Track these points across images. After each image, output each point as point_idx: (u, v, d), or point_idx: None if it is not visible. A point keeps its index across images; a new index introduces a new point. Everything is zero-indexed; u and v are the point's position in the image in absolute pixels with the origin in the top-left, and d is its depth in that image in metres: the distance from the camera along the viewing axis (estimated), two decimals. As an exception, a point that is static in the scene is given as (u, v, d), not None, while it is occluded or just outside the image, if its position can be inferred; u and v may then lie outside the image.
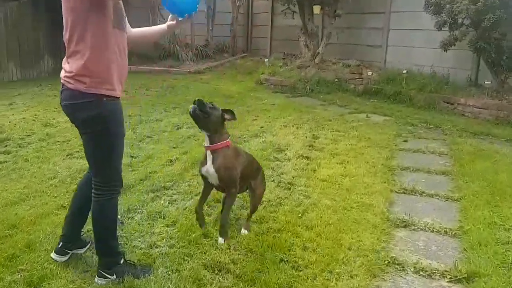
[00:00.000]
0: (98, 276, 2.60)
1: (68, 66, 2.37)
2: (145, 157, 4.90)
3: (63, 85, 2.41)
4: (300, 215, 3.55)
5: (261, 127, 6.44)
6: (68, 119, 2.53)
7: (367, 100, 8.66)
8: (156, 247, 3.02)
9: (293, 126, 6.57)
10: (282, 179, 4.31)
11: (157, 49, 13.16)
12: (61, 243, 2.79)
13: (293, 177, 4.37)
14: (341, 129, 6.37)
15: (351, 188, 4.14)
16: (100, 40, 2.32)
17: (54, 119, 6.49)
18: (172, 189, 4.03)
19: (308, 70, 10.13)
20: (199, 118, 2.81)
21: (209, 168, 2.93)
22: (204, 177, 3.06)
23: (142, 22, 13.09)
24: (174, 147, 5.35)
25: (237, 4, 14.12)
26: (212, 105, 2.85)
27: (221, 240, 3.04)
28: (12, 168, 4.43)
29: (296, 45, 11.36)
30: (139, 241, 3.09)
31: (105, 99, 2.37)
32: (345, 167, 4.70)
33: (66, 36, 2.34)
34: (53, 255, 2.80)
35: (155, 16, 13.20)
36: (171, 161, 4.79)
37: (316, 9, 10.15)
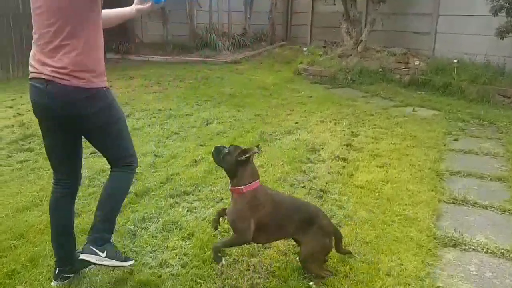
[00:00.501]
0: (86, 253, 2.37)
1: (57, 62, 2.21)
2: (170, 156, 4.61)
3: (49, 81, 2.22)
4: (332, 230, 3.13)
5: (296, 123, 6.01)
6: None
7: (414, 92, 7.99)
8: (167, 266, 2.70)
9: (330, 121, 6.09)
10: (314, 185, 3.89)
11: (194, 38, 12.93)
12: (57, 269, 2.51)
13: (326, 183, 3.93)
14: (383, 125, 5.84)
15: (392, 197, 3.67)
16: (94, 35, 2.28)
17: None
18: (193, 195, 3.71)
19: (350, 59, 9.54)
20: (219, 163, 2.63)
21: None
22: None
23: (181, 10, 12.94)
24: (201, 145, 5.04)
25: (276, -10, 13.61)
26: (229, 150, 2.56)
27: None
28: (31, 168, 4.26)
29: (337, 32, 10.74)
30: (150, 257, 2.79)
31: (105, 89, 2.37)
32: (386, 171, 4.21)
33: (50, 28, 2.19)
34: (53, 283, 2.50)
35: (193, 4, 12.93)
36: (195, 161, 4.47)
37: (359, -7, 9.50)
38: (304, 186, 3.86)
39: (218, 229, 2.82)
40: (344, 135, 5.42)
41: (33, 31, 2.28)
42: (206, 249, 2.83)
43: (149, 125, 5.78)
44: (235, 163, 2.48)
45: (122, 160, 2.53)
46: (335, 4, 10.77)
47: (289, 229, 2.60)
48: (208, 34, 12.86)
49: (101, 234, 2.44)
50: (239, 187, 2.50)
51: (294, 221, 2.57)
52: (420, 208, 3.47)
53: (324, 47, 11.55)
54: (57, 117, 2.32)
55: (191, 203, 3.55)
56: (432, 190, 3.81)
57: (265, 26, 14.03)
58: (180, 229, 3.13)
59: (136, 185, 3.82)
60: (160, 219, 3.27)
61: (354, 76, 8.95)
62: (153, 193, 3.72)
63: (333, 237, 2.63)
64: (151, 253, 2.84)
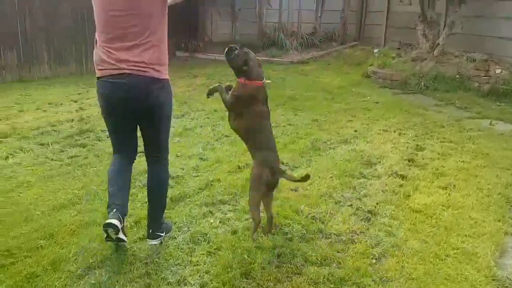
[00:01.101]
0: (152, 239, 2.87)
1: (136, 57, 2.55)
2: (215, 161, 4.46)
3: (130, 74, 2.55)
4: (374, 260, 2.77)
5: (355, 131, 5.61)
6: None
7: (493, 103, 7.18)
8: (185, 285, 2.52)
9: (394, 131, 5.61)
10: (362, 205, 3.51)
11: (262, 37, 12.77)
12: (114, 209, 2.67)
13: (377, 203, 3.54)
14: (454, 140, 5.25)
15: (451, 225, 3.20)
16: (164, 33, 2.68)
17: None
18: (229, 204, 3.50)
19: (425, 63, 8.83)
20: (228, 62, 3.05)
21: None
22: None
23: (251, 8, 12.86)
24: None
25: (351, -12, 13.04)
26: (238, 53, 2.98)
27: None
28: (80, 164, 4.30)
29: (414, 34, 10.03)
30: (170, 273, 2.62)
31: (169, 82, 2.76)
32: (449, 194, 3.72)
33: (131, 29, 2.53)
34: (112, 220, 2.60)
35: (262, 2, 12.79)
36: (239, 167, 4.27)
37: (438, -7, 8.76)
38: (351, 205, 3.51)
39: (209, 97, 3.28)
40: (407, 148, 4.94)
41: (101, 30, 2.59)
42: (229, 270, 2.61)
43: (201, 126, 5.68)
44: (241, 64, 2.93)
45: (165, 153, 2.91)
46: (411, 4, 10.06)
47: (249, 139, 3.08)
48: (276, 33, 12.63)
49: (161, 223, 2.92)
50: (241, 78, 2.97)
51: (256, 136, 3.03)
52: (482, 241, 2.99)
53: (398, 49, 10.85)
54: (130, 109, 2.64)
55: (226, 213, 3.35)
56: (499, 220, 3.28)
57: (336, 26, 13.52)
58: (208, 242, 2.94)
59: (175, 189, 3.70)
60: (191, 229, 3.11)
61: (427, 82, 8.27)
62: (189, 199, 3.57)
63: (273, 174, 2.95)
64: (173, 267, 2.68)
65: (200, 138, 5.21)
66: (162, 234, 2.92)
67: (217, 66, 10.67)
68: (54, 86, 7.99)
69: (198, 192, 3.71)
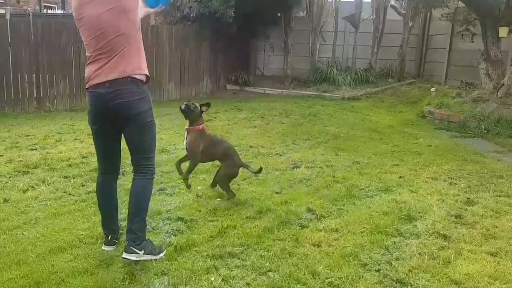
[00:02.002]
0: (127, 253, 2.89)
1: (119, 68, 2.81)
2: (236, 203, 4.11)
3: (112, 84, 2.81)
4: None
5: (400, 177, 5.05)
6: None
7: None
8: None
9: (444, 180, 5.00)
10: (391, 271, 2.98)
11: (314, 72, 12.51)
12: (109, 236, 3.16)
13: (410, 270, 2.99)
14: (512, 194, 4.56)
15: (500, 306, 2.61)
16: (140, 43, 2.94)
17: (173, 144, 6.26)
18: (238, 258, 3.11)
19: (487, 104, 8.09)
20: (186, 116, 4.06)
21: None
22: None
23: (304, 43, 12.68)
24: (276, 192, 4.45)
25: (410, 25, 12.51)
26: (194, 105, 4.00)
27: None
28: (94, 201, 3.99)
29: (477, 73, 9.29)
30: None
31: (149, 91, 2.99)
32: (498, 263, 3.10)
33: (108, 46, 2.79)
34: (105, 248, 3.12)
35: (316, 38, 12.60)
36: (260, 212, 3.89)
37: (503, 31, 8.07)
38: (378, 270, 2.99)
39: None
40: (457, 201, 4.33)
41: (88, 52, 2.88)
42: None
43: (231, 164, 5.38)
44: (199, 114, 3.99)
45: (153, 163, 3.07)
46: (473, 42, 9.38)
47: (217, 155, 4.27)
48: (329, 68, 12.32)
49: (137, 235, 2.92)
50: (197, 126, 4.00)
51: (219, 152, 4.24)
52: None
53: (459, 88, 10.13)
54: (115, 117, 2.85)
55: (231, 269, 2.96)
56: None
57: (393, 62, 12.98)
58: (202, 306, 2.56)
59: (184, 236, 3.39)
60: (187, 287, 2.75)
61: (489, 125, 7.53)
62: (196, 249, 3.23)
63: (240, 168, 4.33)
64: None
65: (227, 177, 4.90)
66: (139, 252, 2.89)
67: (263, 100, 10.53)
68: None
69: (208, 241, 3.36)
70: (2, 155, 5.44)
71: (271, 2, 11.07)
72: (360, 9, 12.60)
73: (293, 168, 5.31)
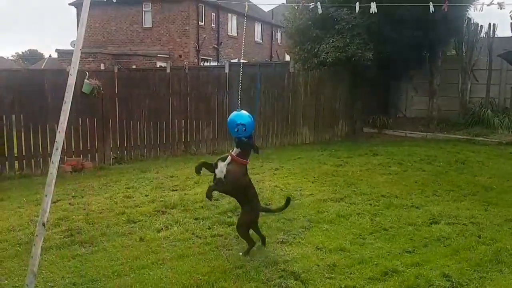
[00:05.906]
0: None
1: None
2: (358, 260, 3.78)
3: None
4: None
5: None
6: None
7: None
8: None
9: None
10: None
11: (464, 114, 11.37)
12: None
13: None
14: None
15: None
16: None
17: (302, 189, 6.15)
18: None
19: None
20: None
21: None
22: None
23: (452, 83, 11.66)
24: (407, 251, 3.99)
25: None
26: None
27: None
28: (217, 245, 4.19)
29: None
30: None
31: None
32: None
33: None
34: None
35: (466, 77, 11.51)
36: (386, 274, 3.51)
37: None
38: None
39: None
40: None
41: None
42: None
43: (359, 214, 5.03)
44: (254, 148, 4.03)
45: None
46: None
47: (243, 197, 4.15)
48: (483, 109, 11.05)
49: None
50: (246, 160, 3.99)
51: (250, 193, 4.12)
52: None
53: None
54: None
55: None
56: None
57: None
58: None
59: (297, 291, 3.22)
60: None
61: None
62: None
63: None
64: None
65: (352, 228, 4.59)
66: None
67: (403, 144, 9.85)
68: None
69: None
70: (148, 195, 6.00)
71: (414, 43, 10.50)
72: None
73: (430, 223, 4.74)
